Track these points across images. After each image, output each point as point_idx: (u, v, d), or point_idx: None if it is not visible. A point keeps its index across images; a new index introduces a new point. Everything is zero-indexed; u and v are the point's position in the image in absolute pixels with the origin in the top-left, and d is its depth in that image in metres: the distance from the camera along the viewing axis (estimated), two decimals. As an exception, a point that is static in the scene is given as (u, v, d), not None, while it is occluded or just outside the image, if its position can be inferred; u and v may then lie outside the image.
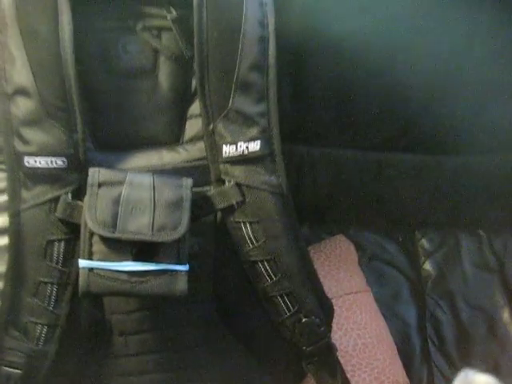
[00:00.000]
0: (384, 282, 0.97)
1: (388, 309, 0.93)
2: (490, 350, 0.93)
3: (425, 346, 0.94)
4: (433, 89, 0.84)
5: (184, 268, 0.60)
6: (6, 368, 0.64)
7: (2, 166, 0.77)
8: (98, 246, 0.59)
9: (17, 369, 0.64)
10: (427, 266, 1.00)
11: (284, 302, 0.68)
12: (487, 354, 0.92)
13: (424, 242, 1.01)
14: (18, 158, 0.61)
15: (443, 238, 1.01)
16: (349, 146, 0.90)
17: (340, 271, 0.87)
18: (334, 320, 0.74)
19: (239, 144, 0.64)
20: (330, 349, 0.71)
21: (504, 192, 0.95)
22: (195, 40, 0.63)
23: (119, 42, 0.66)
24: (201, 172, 0.66)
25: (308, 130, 0.88)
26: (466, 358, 0.94)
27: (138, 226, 0.59)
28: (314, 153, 0.90)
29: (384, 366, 0.81)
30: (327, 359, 0.72)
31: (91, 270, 0.59)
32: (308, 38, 0.78)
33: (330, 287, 0.85)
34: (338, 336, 0.81)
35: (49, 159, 0.61)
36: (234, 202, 0.65)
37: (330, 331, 0.71)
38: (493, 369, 0.92)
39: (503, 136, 0.88)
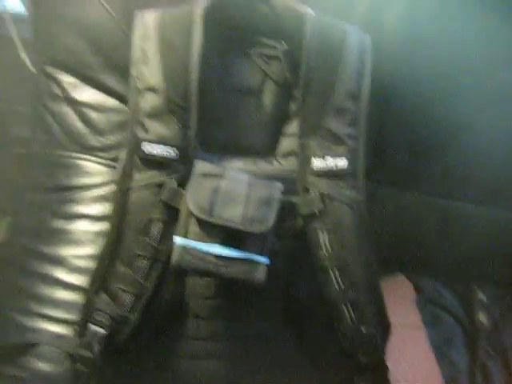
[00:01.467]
0: (438, 325, 0.99)
1: (440, 352, 0.94)
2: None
3: (473, 393, 0.95)
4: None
5: (265, 260, 0.67)
6: (94, 326, 0.71)
7: (106, 162, 0.91)
8: (193, 228, 0.68)
9: (102, 328, 0.71)
10: (482, 317, 1.02)
11: (348, 311, 0.73)
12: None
13: (481, 295, 1.04)
14: (137, 143, 0.71)
15: (500, 294, 1.03)
16: (418, 191, 0.96)
17: (397, 305, 0.90)
18: (387, 349, 0.78)
19: (327, 158, 0.72)
20: (384, 365, 0.75)
21: None
22: (302, 68, 0.73)
23: (235, 63, 0.78)
24: (289, 183, 0.73)
25: (380, 168, 0.94)
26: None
27: (231, 214, 0.67)
28: (384, 192, 0.96)
29: (431, 401, 0.83)
30: (380, 377, 0.75)
31: (185, 247, 0.67)
32: (394, 81, 0.86)
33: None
34: (389, 365, 0.84)
35: (163, 148, 0.71)
36: (316, 210, 0.72)
37: (385, 347, 0.75)
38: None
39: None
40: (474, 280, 1.04)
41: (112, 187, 0.88)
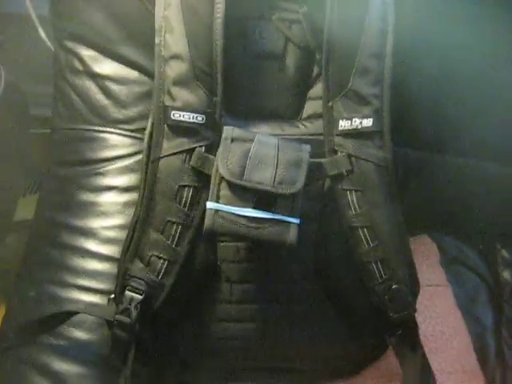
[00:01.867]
0: (463, 284, 1.01)
1: (465, 309, 0.96)
2: None
3: (499, 348, 0.96)
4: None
5: (296, 221, 0.69)
6: (130, 292, 0.73)
7: (130, 134, 0.91)
8: (224, 192, 0.69)
9: (139, 294, 0.73)
10: (506, 274, 1.03)
11: (377, 268, 0.74)
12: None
13: (504, 252, 1.05)
14: (165, 111, 0.72)
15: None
16: (443, 151, 0.97)
17: (423, 265, 0.92)
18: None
19: (354, 119, 0.73)
20: (414, 322, 0.76)
21: None
22: (325, 29, 0.73)
23: (257, 28, 0.78)
24: (316, 145, 0.74)
25: (403, 131, 0.95)
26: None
27: (262, 177, 0.68)
28: (410, 155, 0.96)
29: (459, 355, 0.85)
30: (410, 333, 0.77)
31: (217, 211, 0.68)
32: (416, 40, 0.86)
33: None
34: (417, 321, 0.85)
35: (191, 115, 0.72)
36: (344, 171, 0.73)
37: (415, 304, 0.77)
38: None
39: None
40: (497, 238, 1.05)
41: (137, 158, 0.89)
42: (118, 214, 0.89)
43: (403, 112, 0.93)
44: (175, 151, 0.72)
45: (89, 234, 0.88)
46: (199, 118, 0.72)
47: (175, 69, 0.72)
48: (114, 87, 0.91)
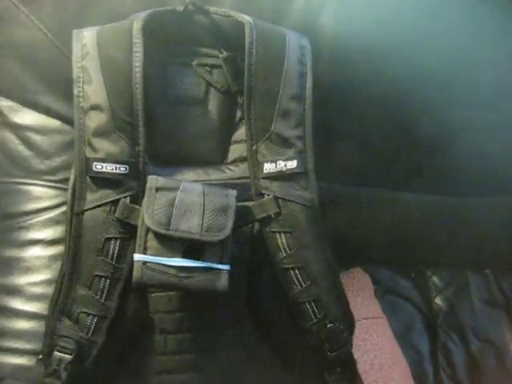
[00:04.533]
0: (398, 313, 1.03)
1: (402, 338, 0.98)
2: (500, 380, 0.97)
3: (437, 374, 0.98)
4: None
5: (226, 267, 0.68)
6: (59, 353, 0.69)
7: (54, 185, 0.89)
8: (152, 242, 0.67)
9: (68, 354, 0.69)
10: (438, 300, 1.06)
11: (311, 308, 0.74)
12: (497, 382, 0.97)
13: (435, 279, 1.08)
14: (87, 163, 0.70)
15: (453, 276, 1.08)
16: (366, 185, 0.99)
17: (357, 298, 0.93)
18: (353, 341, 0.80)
19: (278, 162, 0.73)
20: (352, 358, 0.77)
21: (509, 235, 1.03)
22: (245, 74, 0.74)
23: (177, 74, 0.78)
24: (243, 189, 0.74)
25: (330, 167, 0.97)
26: (477, 384, 0.98)
27: (189, 226, 0.67)
28: (335, 190, 0.98)
29: (399, 386, 0.86)
30: (348, 370, 0.77)
31: (145, 263, 0.66)
32: (336, 78, 0.89)
33: (348, 311, 0.91)
34: (355, 356, 0.86)
35: (114, 165, 0.70)
36: (272, 213, 0.73)
37: (351, 340, 0.77)
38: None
39: (509, 178, 0.97)
40: (427, 265, 1.08)
41: (62, 209, 0.87)
42: (44, 269, 0.85)
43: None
44: (99, 203, 0.71)
45: (14, 291, 0.84)
46: (122, 169, 0.71)
47: (95, 120, 0.71)
48: (35, 138, 0.89)
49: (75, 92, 0.72)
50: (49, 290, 0.78)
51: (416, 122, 0.94)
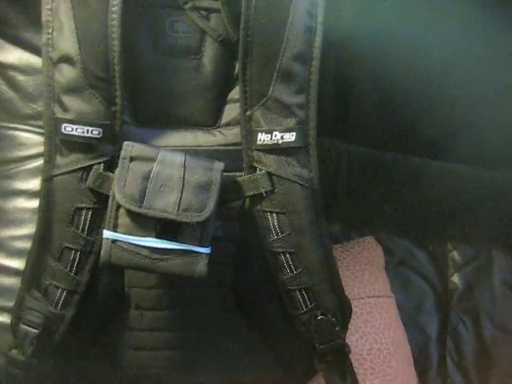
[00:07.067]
0: (409, 290, 0.95)
1: (409, 318, 0.91)
2: (511, 373, 0.90)
3: (442, 360, 0.92)
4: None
5: (205, 251, 0.61)
6: (25, 326, 0.65)
7: (41, 131, 0.81)
8: (123, 219, 0.60)
9: (34, 328, 0.65)
10: (455, 278, 0.97)
11: (302, 296, 0.67)
12: (507, 377, 0.90)
13: (455, 254, 0.98)
14: (56, 124, 0.62)
15: (475, 253, 0.98)
16: (390, 149, 0.88)
17: (365, 273, 0.86)
18: (352, 322, 0.74)
19: (274, 133, 0.63)
20: (343, 350, 0.70)
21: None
22: (241, 24, 0.62)
23: (167, 19, 0.67)
24: (234, 157, 0.66)
25: (348, 127, 0.87)
26: (484, 378, 0.91)
27: (165, 203, 0.60)
28: (353, 151, 0.88)
29: (397, 375, 0.79)
30: (339, 360, 0.70)
31: (114, 241, 0.60)
32: (357, 34, 0.77)
33: (352, 288, 0.84)
34: (354, 338, 0.79)
35: (85, 128, 0.62)
36: (263, 191, 0.65)
37: (345, 332, 0.70)
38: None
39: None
40: (449, 239, 0.99)
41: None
42: (27, 223, 0.80)
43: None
44: (70, 169, 0.63)
45: (-4, 245, 0.80)
46: (95, 132, 0.62)
47: (65, 74, 0.62)
48: (19, 78, 0.81)
49: (43, 39, 0.62)
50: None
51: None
